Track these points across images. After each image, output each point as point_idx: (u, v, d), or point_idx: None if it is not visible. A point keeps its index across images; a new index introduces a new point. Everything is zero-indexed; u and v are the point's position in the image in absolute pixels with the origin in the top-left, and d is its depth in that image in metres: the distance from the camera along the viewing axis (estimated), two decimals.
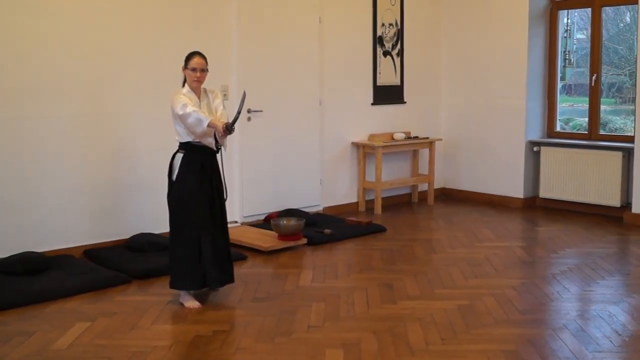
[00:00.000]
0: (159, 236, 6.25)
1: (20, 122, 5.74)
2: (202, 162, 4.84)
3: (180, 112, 4.67)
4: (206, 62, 4.90)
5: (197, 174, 4.81)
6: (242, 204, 7.16)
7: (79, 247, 6.08)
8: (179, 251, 4.83)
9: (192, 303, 4.82)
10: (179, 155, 4.85)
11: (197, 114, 4.67)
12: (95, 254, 5.97)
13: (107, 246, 6.19)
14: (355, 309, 4.75)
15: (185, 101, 4.70)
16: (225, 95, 6.89)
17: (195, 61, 4.84)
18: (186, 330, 4.38)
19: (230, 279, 5.05)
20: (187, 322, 4.52)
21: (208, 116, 4.73)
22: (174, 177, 4.85)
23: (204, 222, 4.83)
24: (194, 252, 4.81)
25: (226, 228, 5.06)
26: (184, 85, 4.91)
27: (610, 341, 4.18)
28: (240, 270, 5.68)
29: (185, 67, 4.87)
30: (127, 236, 6.26)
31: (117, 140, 6.28)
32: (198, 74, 4.83)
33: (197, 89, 4.89)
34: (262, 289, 5.21)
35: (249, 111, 7.08)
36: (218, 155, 4.98)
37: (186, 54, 4.91)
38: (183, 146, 4.85)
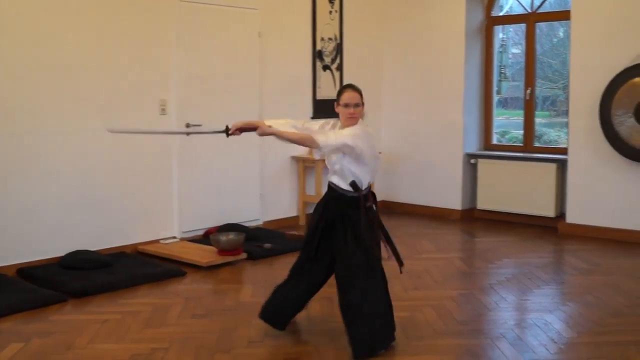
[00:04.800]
0: (95, 253, 6.13)
1: None
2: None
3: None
4: (361, 96, 4.29)
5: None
6: (180, 219, 7.06)
7: (11, 265, 5.90)
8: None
9: None
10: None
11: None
12: (28, 273, 5.81)
13: (40, 264, 6.02)
14: (296, 324, 4.72)
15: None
16: (163, 109, 6.80)
17: (347, 96, 4.25)
18: (124, 349, 4.28)
19: None
20: (125, 341, 4.43)
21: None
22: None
23: None
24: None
25: None
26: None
27: (547, 349, 4.25)
28: (179, 287, 5.61)
29: (338, 103, 4.30)
30: (61, 254, 6.11)
31: (44, 158, 6.15)
32: (352, 110, 4.25)
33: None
34: (201, 305, 5.14)
35: (187, 126, 7.01)
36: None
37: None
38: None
